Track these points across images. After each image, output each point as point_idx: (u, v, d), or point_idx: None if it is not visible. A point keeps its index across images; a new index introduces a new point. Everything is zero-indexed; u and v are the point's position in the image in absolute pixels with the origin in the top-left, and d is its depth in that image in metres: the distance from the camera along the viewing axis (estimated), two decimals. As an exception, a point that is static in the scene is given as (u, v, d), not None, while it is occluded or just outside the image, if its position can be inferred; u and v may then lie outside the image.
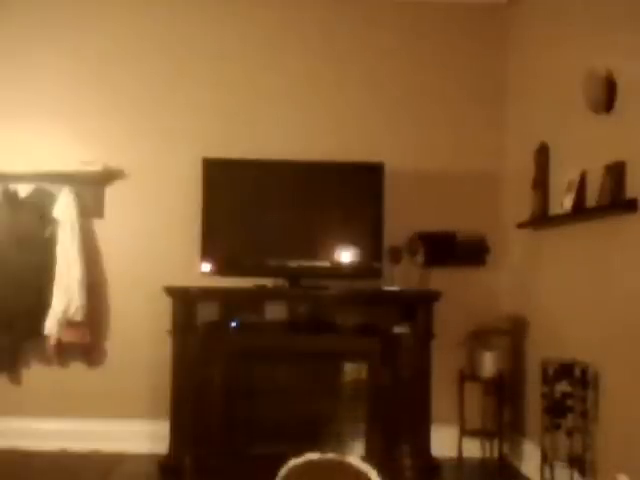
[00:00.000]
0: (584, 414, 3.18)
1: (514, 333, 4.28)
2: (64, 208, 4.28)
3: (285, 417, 4.00)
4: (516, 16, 4.44)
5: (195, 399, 3.90)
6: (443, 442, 4.13)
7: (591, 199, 3.24)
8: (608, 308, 3.14)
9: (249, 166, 4.22)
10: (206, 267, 4.11)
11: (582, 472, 3.19)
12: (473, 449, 4.31)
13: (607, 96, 3.09)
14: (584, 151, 3.38)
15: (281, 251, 4.16)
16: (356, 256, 4.17)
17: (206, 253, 4.12)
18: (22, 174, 4.27)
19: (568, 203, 3.39)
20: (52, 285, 4.21)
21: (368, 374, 4.00)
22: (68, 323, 4.20)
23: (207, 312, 3.95)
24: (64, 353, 4.31)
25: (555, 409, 3.34)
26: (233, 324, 3.96)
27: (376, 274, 4.12)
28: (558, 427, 3.32)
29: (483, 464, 4.30)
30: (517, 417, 4.24)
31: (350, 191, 4.22)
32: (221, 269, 4.12)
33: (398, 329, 3.95)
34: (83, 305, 4.21)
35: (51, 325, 4.19)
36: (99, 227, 4.45)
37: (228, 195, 4.20)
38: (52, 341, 4.21)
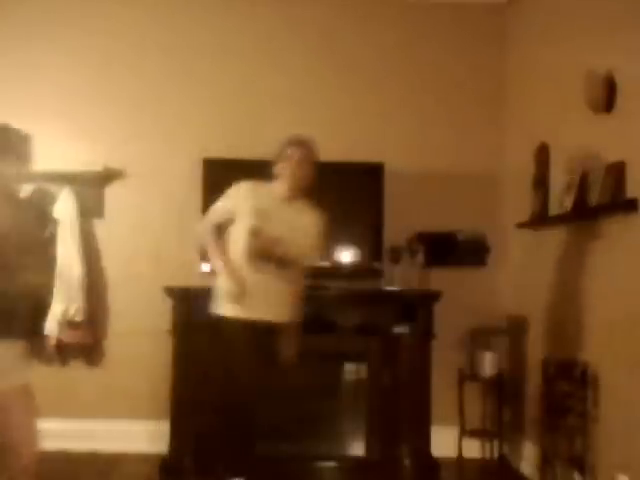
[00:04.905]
0: (584, 414, 3.18)
1: (514, 333, 4.28)
2: (64, 208, 4.27)
3: (285, 417, 3.99)
4: (516, 15, 4.44)
5: (195, 399, 3.90)
6: (443, 442, 4.12)
7: (591, 199, 3.24)
8: (608, 308, 3.14)
9: (249, 166, 4.21)
10: (206, 267, 4.10)
11: (582, 472, 3.19)
12: (473, 449, 4.31)
13: (607, 96, 3.09)
14: (584, 151, 3.38)
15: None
16: (356, 256, 4.17)
17: (206, 253, 4.10)
18: (22, 174, 4.26)
19: (568, 203, 3.39)
20: (52, 285, 4.21)
21: (368, 374, 4.00)
22: (68, 323, 4.20)
23: (207, 312, 3.96)
24: (64, 353, 4.31)
25: (555, 409, 3.34)
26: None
27: (376, 274, 4.12)
28: (558, 427, 3.33)
29: (483, 464, 4.30)
30: (517, 417, 4.24)
31: (350, 191, 4.21)
32: (221, 269, 4.11)
33: (398, 329, 3.95)
34: (83, 305, 4.21)
35: (51, 325, 4.19)
36: (99, 227, 4.44)
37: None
38: (52, 341, 4.21)
